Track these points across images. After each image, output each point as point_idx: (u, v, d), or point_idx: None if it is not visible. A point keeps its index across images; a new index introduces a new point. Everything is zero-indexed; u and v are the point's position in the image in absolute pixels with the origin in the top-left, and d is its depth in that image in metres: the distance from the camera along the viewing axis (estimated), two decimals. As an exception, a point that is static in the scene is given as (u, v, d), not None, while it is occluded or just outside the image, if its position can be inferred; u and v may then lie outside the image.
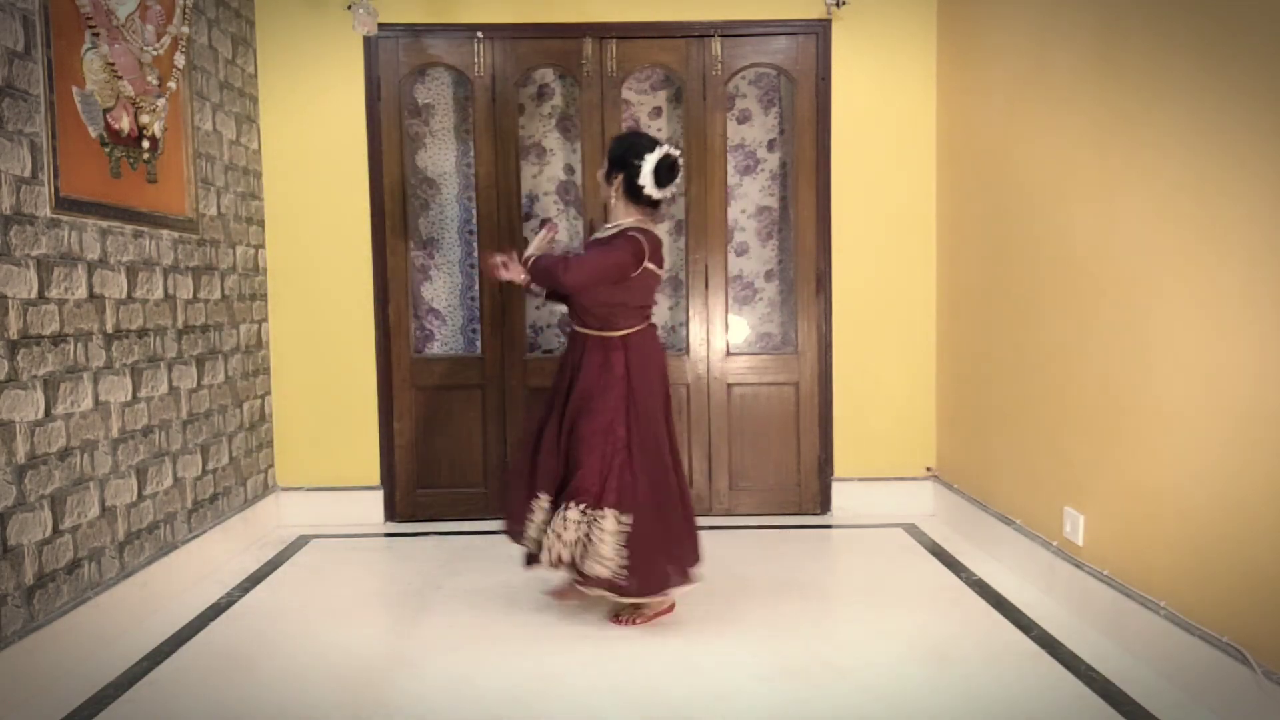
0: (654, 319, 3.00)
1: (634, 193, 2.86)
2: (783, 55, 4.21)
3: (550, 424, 2.91)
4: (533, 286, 2.98)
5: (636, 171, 2.83)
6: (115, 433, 2.90)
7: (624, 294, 2.84)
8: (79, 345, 2.71)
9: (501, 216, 4.22)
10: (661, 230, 4.47)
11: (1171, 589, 2.47)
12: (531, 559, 2.92)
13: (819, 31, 4.16)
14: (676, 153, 2.88)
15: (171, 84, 3.23)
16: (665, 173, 2.84)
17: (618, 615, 2.91)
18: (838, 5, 4.10)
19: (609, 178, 2.92)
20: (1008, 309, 3.43)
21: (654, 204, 2.91)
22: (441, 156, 4.45)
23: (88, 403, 2.75)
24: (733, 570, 3.46)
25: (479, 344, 4.33)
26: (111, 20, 2.86)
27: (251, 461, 3.96)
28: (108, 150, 2.86)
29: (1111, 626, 2.71)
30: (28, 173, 2.48)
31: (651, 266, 2.87)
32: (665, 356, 3.06)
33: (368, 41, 4.12)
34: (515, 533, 2.93)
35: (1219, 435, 2.27)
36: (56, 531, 2.59)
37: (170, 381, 3.25)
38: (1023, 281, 3.30)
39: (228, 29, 3.80)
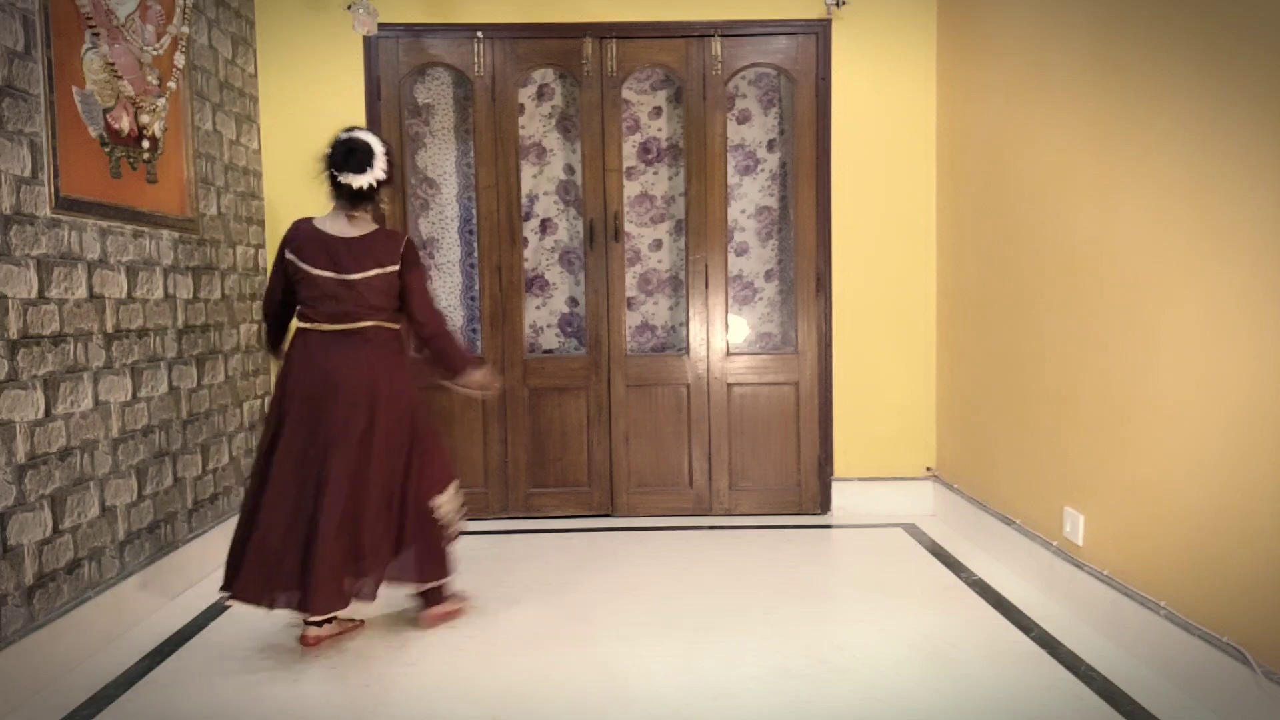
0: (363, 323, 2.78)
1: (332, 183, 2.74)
2: (783, 55, 4.21)
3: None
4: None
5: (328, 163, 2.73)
6: (115, 432, 2.90)
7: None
8: (79, 345, 2.71)
9: (501, 216, 4.22)
10: (662, 230, 4.50)
11: (1171, 589, 2.47)
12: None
13: (819, 31, 4.16)
14: (348, 135, 2.71)
15: (171, 84, 3.23)
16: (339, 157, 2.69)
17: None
18: (838, 5, 4.10)
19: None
20: (1008, 309, 3.43)
21: (344, 193, 2.73)
22: (441, 156, 4.45)
23: (88, 403, 2.75)
24: (733, 570, 3.46)
25: (479, 344, 4.33)
26: (111, 20, 2.86)
27: (251, 462, 3.95)
28: (108, 150, 2.86)
29: (1111, 626, 2.71)
30: (28, 173, 2.48)
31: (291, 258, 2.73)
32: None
33: (368, 41, 4.12)
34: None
35: (1219, 435, 2.27)
36: (56, 531, 2.59)
37: (170, 381, 3.25)
38: (1023, 281, 3.30)
39: (228, 29, 3.80)
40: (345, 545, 2.63)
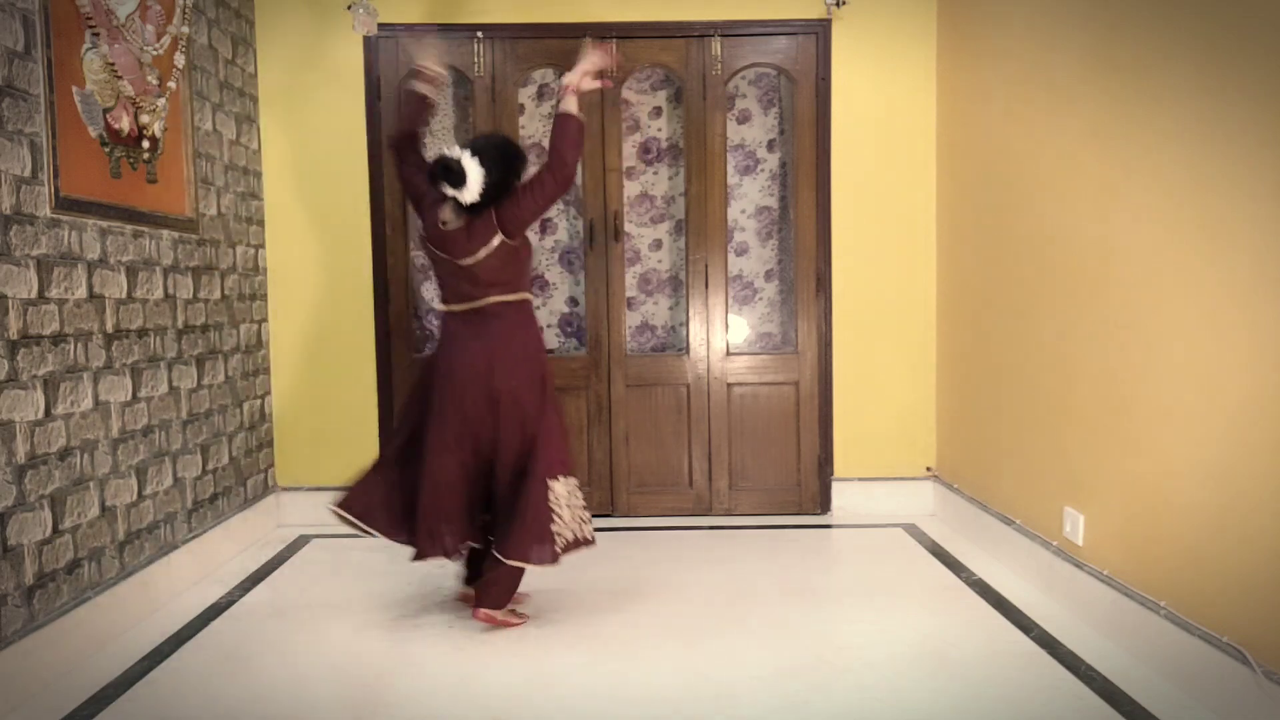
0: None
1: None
2: (783, 55, 4.21)
3: None
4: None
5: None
6: (115, 433, 2.90)
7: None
8: (79, 345, 2.71)
9: (501, 216, 4.21)
10: (662, 230, 4.51)
11: (1171, 589, 2.47)
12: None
13: (819, 31, 4.16)
14: (446, 155, 2.78)
15: (171, 84, 3.23)
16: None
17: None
18: (838, 5, 4.10)
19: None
20: (1008, 308, 3.43)
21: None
22: (441, 156, 4.44)
23: (88, 403, 2.75)
24: (733, 570, 3.46)
25: (479, 344, 4.33)
26: (111, 20, 2.86)
27: (251, 461, 3.96)
28: (108, 150, 2.86)
29: (1111, 626, 2.71)
30: (28, 173, 2.48)
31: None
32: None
33: (368, 41, 4.12)
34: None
35: (1218, 434, 2.27)
36: (56, 531, 2.59)
37: (170, 381, 3.25)
38: (1023, 281, 3.30)
39: (228, 29, 3.80)
40: (443, 507, 2.84)
